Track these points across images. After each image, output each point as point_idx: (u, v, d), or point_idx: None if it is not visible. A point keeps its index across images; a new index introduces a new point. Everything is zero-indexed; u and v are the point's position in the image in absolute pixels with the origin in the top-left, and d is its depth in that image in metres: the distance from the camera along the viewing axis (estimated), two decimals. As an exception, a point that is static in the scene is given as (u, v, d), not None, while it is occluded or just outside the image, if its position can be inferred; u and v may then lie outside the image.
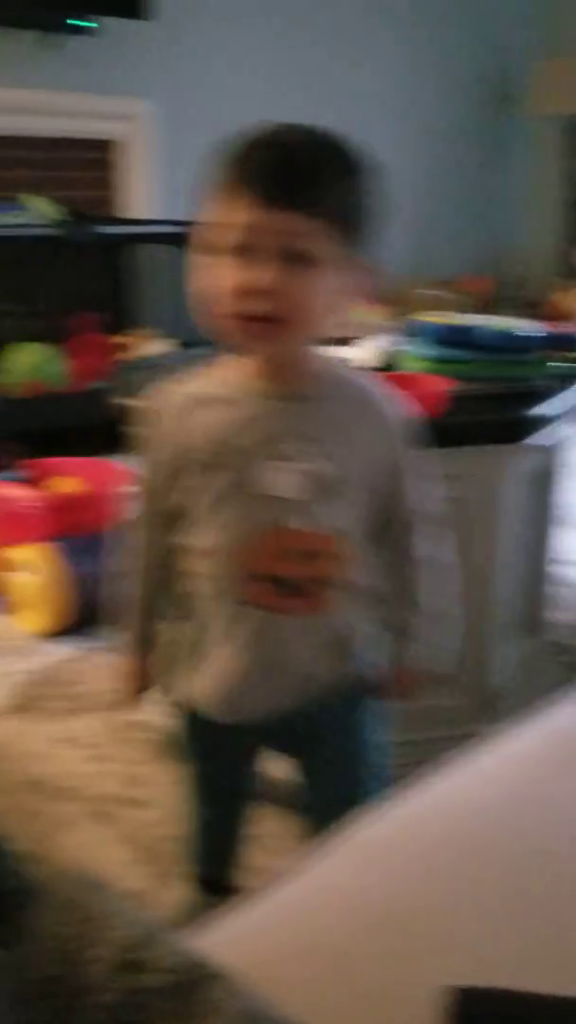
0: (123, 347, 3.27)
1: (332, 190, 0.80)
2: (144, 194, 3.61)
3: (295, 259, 0.79)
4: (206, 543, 0.89)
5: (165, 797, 1.43)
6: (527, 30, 4.59)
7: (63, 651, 1.92)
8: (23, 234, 3.07)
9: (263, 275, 0.79)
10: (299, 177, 0.78)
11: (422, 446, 0.92)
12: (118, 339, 3.34)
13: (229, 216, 0.79)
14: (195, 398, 0.89)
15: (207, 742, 1.01)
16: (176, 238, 3.40)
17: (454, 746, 0.74)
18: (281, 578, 0.87)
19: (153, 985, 0.48)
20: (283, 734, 0.97)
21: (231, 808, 1.08)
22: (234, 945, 0.55)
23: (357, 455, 0.87)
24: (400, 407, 0.91)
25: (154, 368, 1.73)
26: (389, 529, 0.93)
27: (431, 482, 0.93)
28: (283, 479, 0.85)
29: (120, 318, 3.51)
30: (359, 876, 0.59)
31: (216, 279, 0.81)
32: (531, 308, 4.15)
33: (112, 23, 3.27)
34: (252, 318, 0.80)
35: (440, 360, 1.35)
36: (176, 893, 1.23)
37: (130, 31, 3.33)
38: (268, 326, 0.81)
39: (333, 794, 0.95)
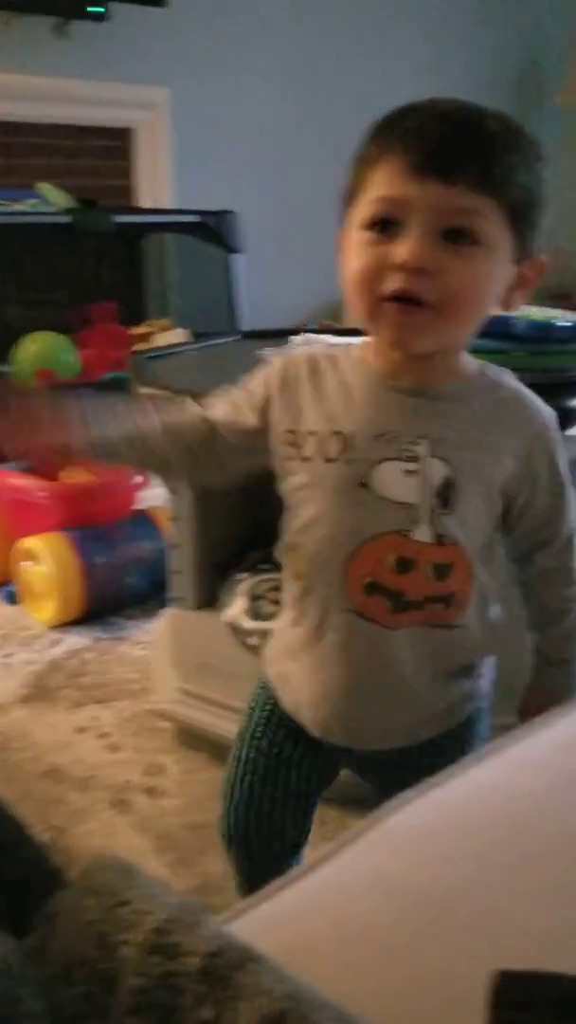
0: (138, 337, 3.26)
1: (507, 166, 0.70)
2: (161, 183, 3.60)
3: (456, 236, 0.69)
4: (295, 535, 0.81)
5: (181, 786, 1.42)
6: (562, 20, 4.56)
7: (75, 641, 1.91)
8: (38, 222, 3.06)
9: (413, 248, 0.69)
10: (469, 145, 0.69)
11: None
12: (133, 329, 3.34)
13: (379, 187, 0.71)
14: (322, 370, 0.80)
15: (288, 746, 0.90)
16: (193, 227, 3.42)
17: (491, 736, 0.72)
18: (397, 592, 0.77)
19: (188, 968, 0.47)
20: (381, 762, 0.88)
21: (289, 815, 0.93)
22: (269, 929, 0.53)
23: (493, 464, 0.77)
24: (551, 415, 0.82)
25: (170, 359, 1.72)
26: (542, 549, 0.84)
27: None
28: (403, 482, 0.75)
29: (136, 308, 3.50)
30: (396, 860, 0.57)
31: (358, 258, 0.72)
32: (559, 300, 4.12)
33: (128, 9, 3.26)
34: (395, 299, 0.70)
35: (478, 351, 1.33)
36: (192, 882, 1.21)
37: (147, 18, 3.32)
38: (415, 312, 0.70)
39: None
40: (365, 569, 0.77)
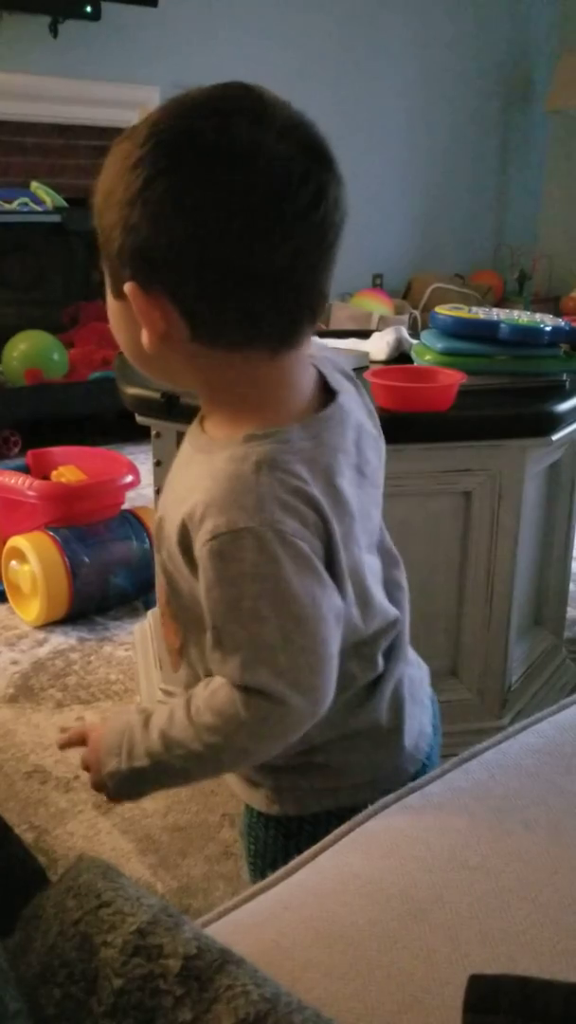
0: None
1: (95, 191, 0.64)
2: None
3: None
4: None
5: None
6: (548, 23, 4.59)
7: (60, 641, 1.91)
8: (29, 220, 3.06)
9: None
10: None
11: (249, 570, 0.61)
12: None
13: None
14: None
15: None
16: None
17: (469, 741, 0.73)
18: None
19: (168, 970, 0.47)
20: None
21: None
22: (248, 930, 0.54)
23: (168, 527, 0.68)
24: (236, 516, 0.61)
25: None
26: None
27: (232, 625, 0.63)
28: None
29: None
30: (372, 863, 0.58)
31: None
32: (543, 304, 4.16)
33: (120, 9, 3.26)
34: None
35: (464, 354, 1.34)
36: (174, 884, 1.22)
37: (138, 18, 3.32)
38: None
39: None
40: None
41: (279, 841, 0.75)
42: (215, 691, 0.65)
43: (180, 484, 0.68)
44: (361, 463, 0.69)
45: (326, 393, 0.69)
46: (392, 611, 0.74)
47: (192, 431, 0.71)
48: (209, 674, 0.68)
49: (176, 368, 0.66)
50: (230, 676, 0.63)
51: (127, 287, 0.62)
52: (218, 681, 0.65)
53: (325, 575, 0.64)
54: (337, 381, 0.71)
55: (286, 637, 0.62)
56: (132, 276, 0.62)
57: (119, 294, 0.64)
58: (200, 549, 0.62)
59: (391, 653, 0.74)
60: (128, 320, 0.65)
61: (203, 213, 0.58)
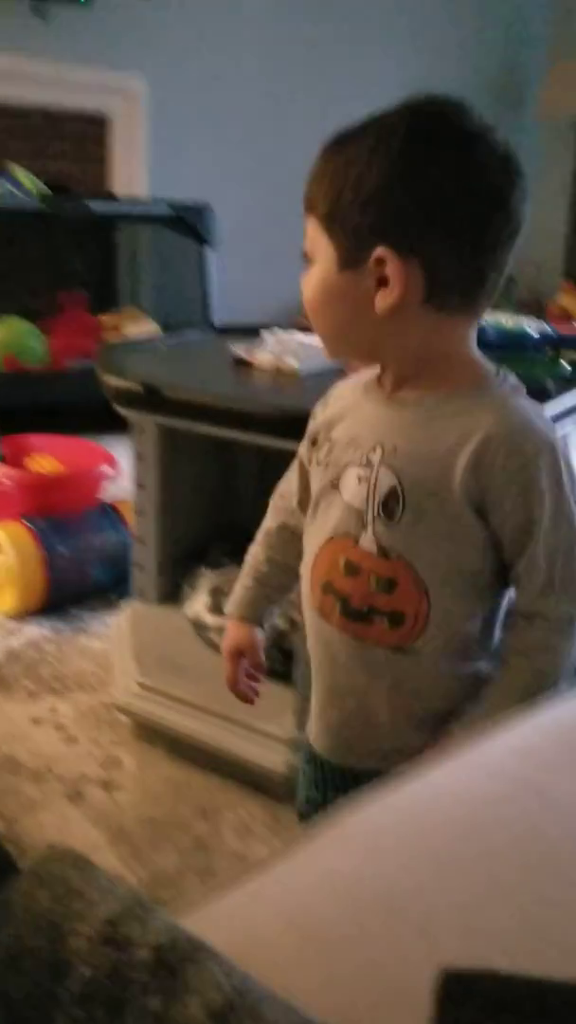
0: (108, 327, 3.24)
1: (315, 180, 0.74)
2: (136, 171, 3.58)
3: (307, 261, 0.77)
4: (305, 546, 0.84)
5: (137, 780, 1.42)
6: (539, 32, 4.61)
7: (34, 632, 1.89)
8: (8, 206, 3.02)
9: None
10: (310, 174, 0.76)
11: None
12: (103, 318, 3.31)
13: None
14: (342, 387, 0.85)
15: (319, 783, 0.88)
16: (168, 219, 3.40)
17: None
18: (344, 596, 0.78)
19: (138, 960, 0.47)
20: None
21: None
22: (220, 922, 0.54)
23: (442, 475, 0.73)
24: (541, 435, 0.74)
25: (139, 351, 1.71)
26: (534, 621, 0.76)
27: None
28: (357, 487, 0.77)
29: (106, 296, 3.47)
30: (348, 859, 0.58)
31: None
32: (529, 309, 4.18)
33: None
34: None
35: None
36: (144, 875, 1.21)
37: (128, 4, 3.30)
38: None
39: None
40: (323, 568, 0.80)
41: None
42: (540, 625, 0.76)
43: (433, 438, 0.74)
44: None
45: None
46: None
47: (400, 400, 0.77)
48: (460, 617, 0.77)
49: (385, 338, 0.74)
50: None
51: (381, 252, 0.70)
52: (534, 610, 0.76)
53: None
54: None
55: None
56: (387, 242, 0.70)
57: (351, 264, 0.72)
58: (517, 466, 0.72)
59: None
60: (348, 292, 0.73)
61: (457, 182, 0.70)
